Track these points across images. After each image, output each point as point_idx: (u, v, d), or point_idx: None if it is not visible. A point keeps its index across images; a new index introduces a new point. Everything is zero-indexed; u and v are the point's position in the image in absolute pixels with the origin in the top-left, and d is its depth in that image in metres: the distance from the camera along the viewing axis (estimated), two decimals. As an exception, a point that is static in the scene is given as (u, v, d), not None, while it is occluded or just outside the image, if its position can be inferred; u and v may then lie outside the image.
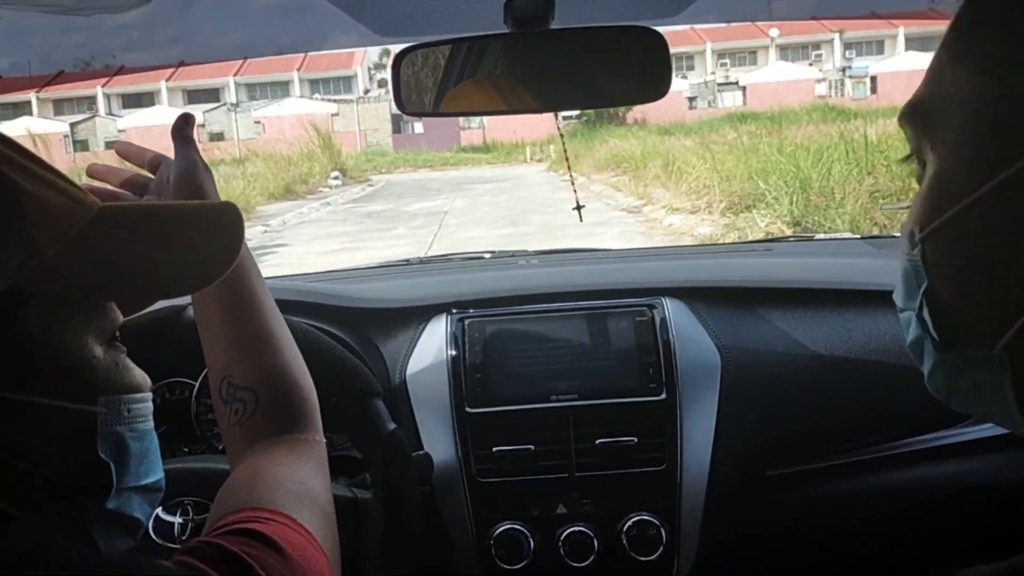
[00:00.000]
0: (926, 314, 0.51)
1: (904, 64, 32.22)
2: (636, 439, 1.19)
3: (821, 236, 2.05)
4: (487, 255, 1.70)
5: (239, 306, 0.79)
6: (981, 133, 0.47)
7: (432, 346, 1.26)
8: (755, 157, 11.31)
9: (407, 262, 1.74)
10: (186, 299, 1.22)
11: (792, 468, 1.24)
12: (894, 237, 1.71)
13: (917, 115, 0.51)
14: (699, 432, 1.20)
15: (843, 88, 36.70)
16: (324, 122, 34.18)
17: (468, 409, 1.21)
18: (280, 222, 14.07)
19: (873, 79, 35.33)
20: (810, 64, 39.29)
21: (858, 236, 1.79)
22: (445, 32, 1.22)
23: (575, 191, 1.80)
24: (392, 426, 1.06)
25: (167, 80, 37.34)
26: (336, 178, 22.45)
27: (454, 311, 1.28)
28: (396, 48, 1.17)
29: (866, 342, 1.27)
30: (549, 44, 1.11)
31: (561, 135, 1.58)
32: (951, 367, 0.50)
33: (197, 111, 36.80)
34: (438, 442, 1.18)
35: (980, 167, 0.46)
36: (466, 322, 1.26)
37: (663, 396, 1.20)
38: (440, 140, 33.57)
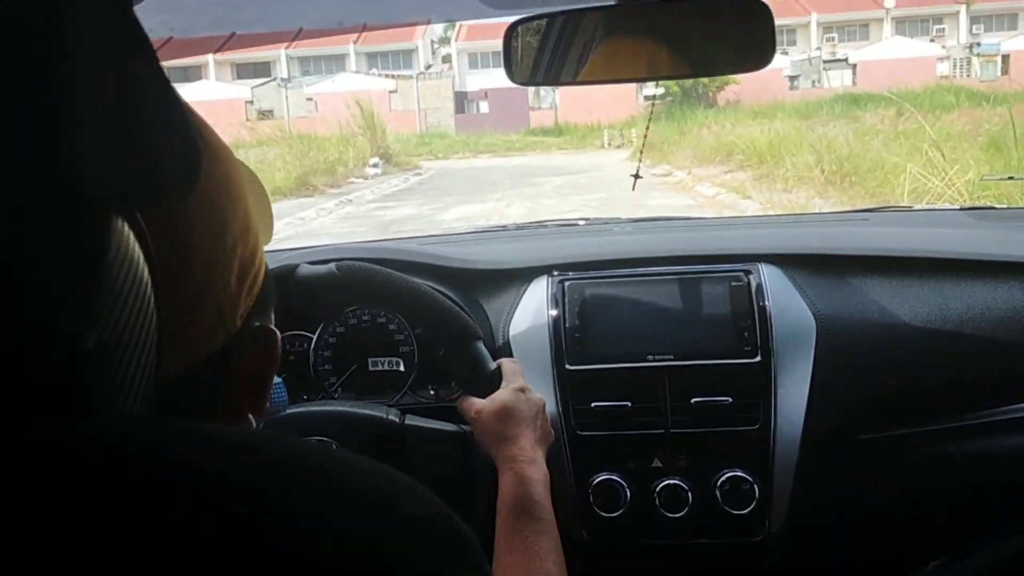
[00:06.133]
0: None
1: (1042, 40, 31.30)
2: (731, 399, 1.37)
3: (919, 206, 2.20)
4: (581, 222, 1.91)
5: (518, 552, 1.05)
6: None
7: (533, 306, 1.47)
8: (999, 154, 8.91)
9: (504, 228, 1.97)
10: (297, 258, 1.45)
11: (885, 432, 1.41)
12: (994, 208, 1.87)
13: None
14: (793, 394, 1.38)
15: (969, 67, 35.81)
16: (381, 100, 34.78)
17: (568, 366, 1.41)
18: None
19: (1004, 58, 34.37)
20: (931, 40, 38.39)
21: (958, 207, 1.94)
22: (552, 4, 1.43)
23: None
24: (493, 366, 1.28)
25: (215, 53, 38.46)
26: (375, 165, 21.15)
27: (555, 273, 1.49)
28: (507, 19, 1.39)
29: (964, 312, 1.43)
30: (654, 15, 1.31)
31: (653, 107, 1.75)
32: None
33: (245, 87, 37.93)
34: (544, 398, 1.39)
35: None
36: (566, 284, 1.46)
37: (758, 359, 1.38)
38: (508, 121, 33.74)
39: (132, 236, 0.45)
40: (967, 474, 1.41)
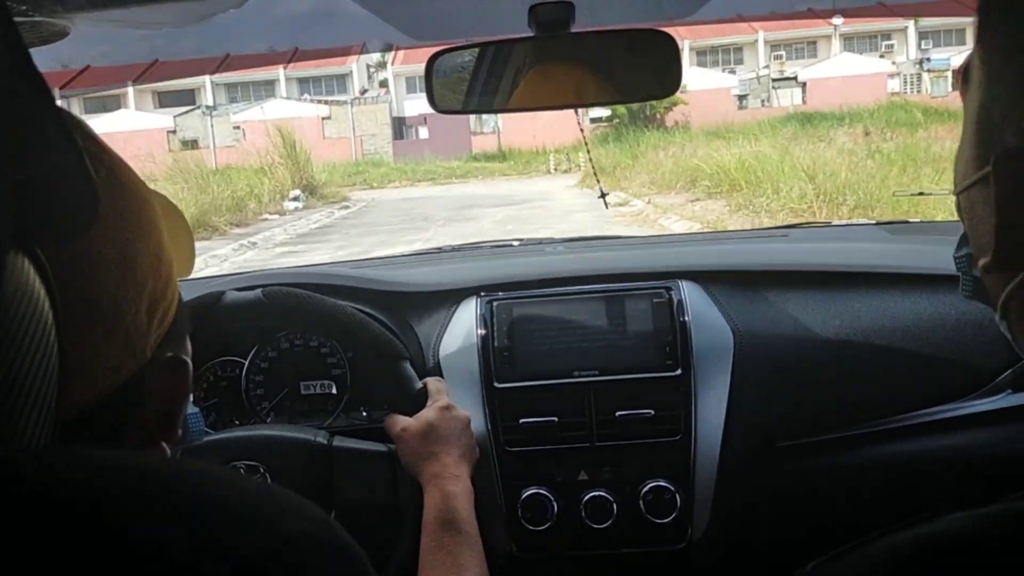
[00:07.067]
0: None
1: (991, 55, 32.22)
2: (653, 412, 1.50)
3: (838, 222, 2.40)
4: (515, 243, 2.05)
5: (442, 564, 1.15)
6: (974, 121, 0.60)
7: (463, 326, 1.59)
8: None
9: (439, 250, 2.10)
10: (224, 285, 1.55)
11: (801, 440, 1.55)
12: (907, 222, 2.05)
13: (963, 73, 0.64)
14: (713, 406, 1.51)
15: (920, 84, 36.97)
16: (314, 127, 34.75)
17: (496, 384, 1.52)
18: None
19: (955, 73, 35.44)
20: (881, 56, 39.59)
21: (874, 222, 2.12)
22: (474, 35, 1.57)
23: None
24: (419, 385, 1.41)
25: (135, 82, 38.15)
26: (296, 199, 20.42)
27: (483, 294, 1.61)
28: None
29: (873, 322, 1.58)
30: (572, 46, 1.45)
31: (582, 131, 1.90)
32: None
33: (168, 116, 37.67)
34: (470, 414, 1.51)
35: (973, 155, 0.60)
36: (494, 304, 1.58)
37: (679, 372, 1.52)
38: (449, 147, 33.91)
39: (32, 272, 0.48)
40: (880, 477, 1.56)
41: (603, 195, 1.96)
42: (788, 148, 14.25)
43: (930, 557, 0.53)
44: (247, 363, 1.58)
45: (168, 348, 0.64)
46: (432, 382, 1.43)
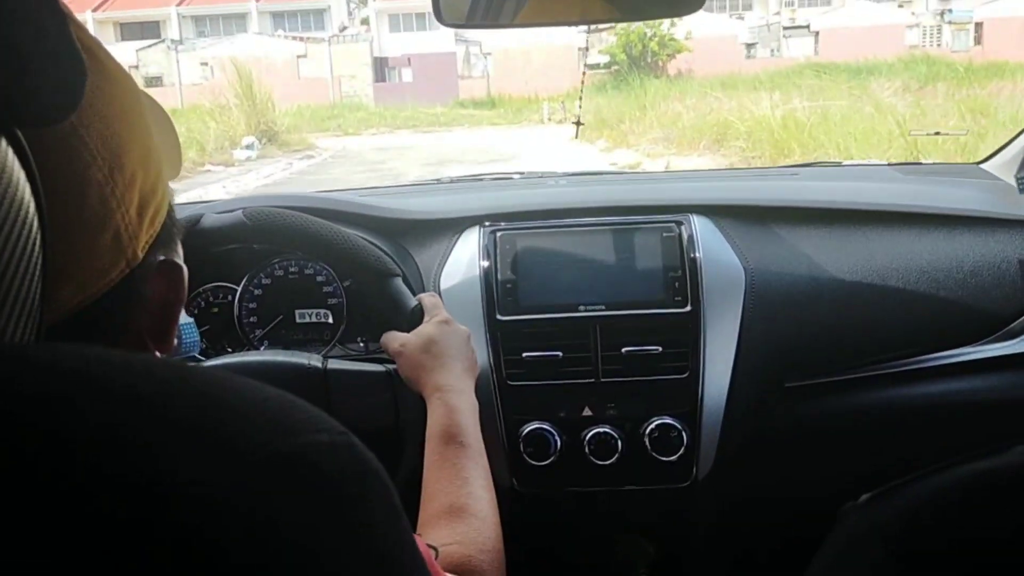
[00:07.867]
0: None
1: (1017, 8, 32.24)
2: (660, 348, 1.56)
3: (848, 162, 2.45)
4: (516, 176, 2.09)
5: (446, 478, 1.17)
6: None
7: (465, 257, 1.63)
8: None
9: (438, 180, 2.14)
10: (200, 210, 1.56)
11: (810, 381, 1.62)
12: (920, 164, 2.11)
13: None
14: (722, 344, 1.57)
15: (940, 36, 36.86)
16: (288, 66, 34.45)
17: (499, 317, 1.58)
18: None
19: (977, 25, 35.47)
20: (899, 6, 39.42)
21: (885, 163, 2.18)
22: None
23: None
24: (413, 302, 1.44)
25: (94, 11, 37.64)
26: (249, 146, 18.86)
27: (486, 224, 1.66)
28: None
29: (888, 262, 1.64)
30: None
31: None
32: None
33: (130, 48, 37.21)
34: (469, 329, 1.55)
35: None
36: (498, 235, 1.63)
37: (688, 308, 1.57)
38: (434, 91, 33.56)
39: (11, 155, 0.47)
40: (888, 420, 1.63)
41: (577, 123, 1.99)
42: (880, 103, 12.65)
43: (1009, 488, 0.55)
44: (240, 289, 1.62)
45: (160, 251, 0.65)
46: (427, 298, 1.46)
